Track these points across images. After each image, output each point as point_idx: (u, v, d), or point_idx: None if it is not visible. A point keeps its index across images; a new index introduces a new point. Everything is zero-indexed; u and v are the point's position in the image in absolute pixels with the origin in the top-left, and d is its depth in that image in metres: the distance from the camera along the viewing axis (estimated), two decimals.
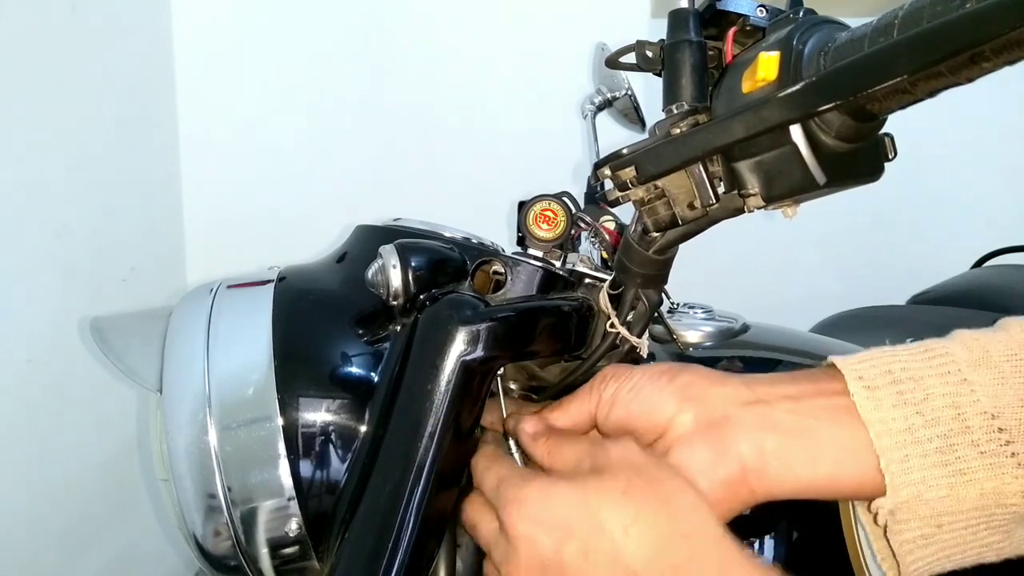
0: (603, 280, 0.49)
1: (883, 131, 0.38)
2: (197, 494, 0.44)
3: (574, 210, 0.51)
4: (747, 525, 0.54)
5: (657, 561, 0.36)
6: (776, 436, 0.40)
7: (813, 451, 0.40)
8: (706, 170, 0.40)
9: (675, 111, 0.40)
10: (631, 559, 0.36)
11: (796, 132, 0.36)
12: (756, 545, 0.55)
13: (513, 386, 0.52)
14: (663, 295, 0.49)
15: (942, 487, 0.38)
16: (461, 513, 0.45)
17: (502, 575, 0.40)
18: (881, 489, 0.38)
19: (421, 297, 0.45)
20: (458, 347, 0.43)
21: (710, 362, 0.68)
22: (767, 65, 0.36)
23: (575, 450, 0.42)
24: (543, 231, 0.49)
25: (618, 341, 0.48)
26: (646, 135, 0.42)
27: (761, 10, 0.40)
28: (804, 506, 0.49)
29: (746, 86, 0.37)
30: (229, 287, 0.50)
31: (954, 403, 0.38)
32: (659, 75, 0.42)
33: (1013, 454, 0.37)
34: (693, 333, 0.70)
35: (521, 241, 0.51)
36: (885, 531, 0.40)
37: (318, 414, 0.45)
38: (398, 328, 0.47)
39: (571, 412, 0.46)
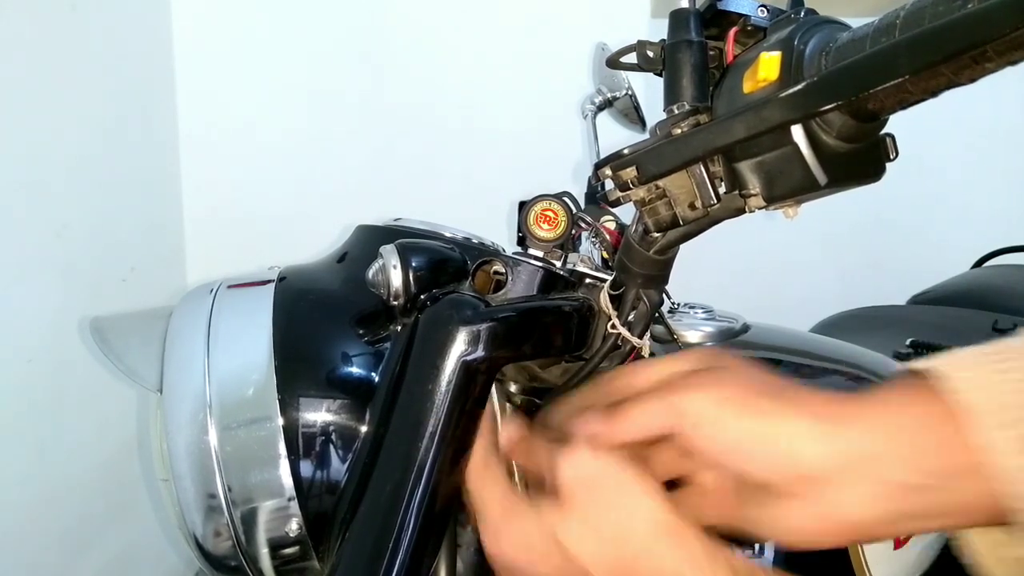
0: (604, 280, 0.49)
1: (884, 131, 0.38)
2: (197, 494, 0.44)
3: (575, 210, 0.51)
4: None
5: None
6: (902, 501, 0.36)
7: (940, 506, 0.36)
8: (707, 170, 0.40)
9: (676, 111, 0.40)
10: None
11: (797, 132, 0.36)
12: (757, 546, 0.55)
13: (513, 387, 0.52)
14: (664, 295, 0.49)
15: None
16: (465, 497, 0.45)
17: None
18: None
19: (422, 297, 0.45)
20: (459, 347, 0.43)
21: None
22: (768, 65, 0.36)
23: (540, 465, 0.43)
24: (544, 231, 0.49)
25: (619, 342, 0.48)
26: (647, 135, 0.42)
27: (762, 10, 0.40)
28: None
29: (747, 86, 0.37)
30: (229, 287, 0.50)
31: None
32: (660, 75, 0.42)
33: None
34: (693, 333, 0.70)
35: (521, 241, 0.50)
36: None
37: (318, 414, 0.45)
38: (399, 328, 0.47)
39: (641, 425, 0.41)
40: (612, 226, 0.59)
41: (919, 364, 0.37)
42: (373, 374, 0.47)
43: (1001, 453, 0.33)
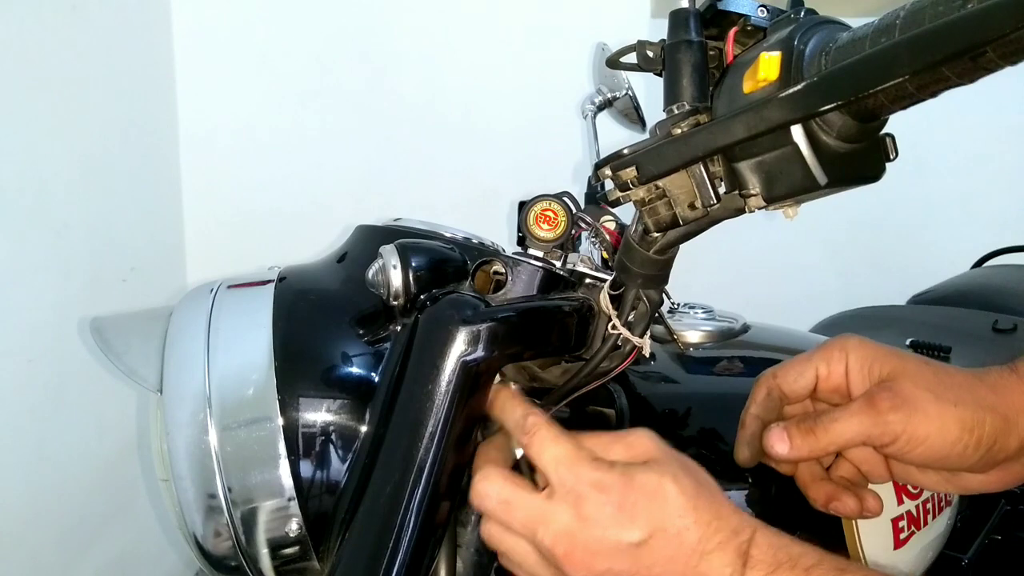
0: (604, 280, 0.49)
1: (884, 131, 0.38)
2: (197, 494, 0.44)
3: (574, 210, 0.51)
4: (737, 475, 0.54)
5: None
6: None
7: None
8: (707, 170, 0.40)
9: (676, 111, 0.40)
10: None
11: (797, 132, 0.36)
12: (746, 494, 0.55)
13: (513, 387, 0.52)
14: (664, 295, 0.49)
15: None
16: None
17: (560, 546, 0.41)
18: None
19: (422, 297, 0.45)
20: (459, 347, 0.43)
21: (710, 362, 0.68)
22: (768, 65, 0.36)
23: (599, 441, 0.44)
24: (543, 231, 0.49)
25: (619, 342, 0.48)
26: (647, 135, 0.42)
27: (762, 10, 0.40)
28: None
29: (747, 86, 0.37)
30: (229, 287, 0.50)
31: None
32: (660, 75, 0.42)
33: None
34: (693, 333, 0.70)
35: (521, 241, 0.50)
36: None
37: (318, 414, 0.45)
38: (398, 328, 0.47)
39: (846, 434, 0.46)
40: (612, 226, 0.59)
41: None
42: (373, 374, 0.46)
43: None
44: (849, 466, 0.50)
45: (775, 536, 0.40)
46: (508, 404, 0.45)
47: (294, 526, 0.44)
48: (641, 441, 0.43)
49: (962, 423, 0.44)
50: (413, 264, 0.45)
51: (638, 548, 0.40)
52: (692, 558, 0.39)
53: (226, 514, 0.44)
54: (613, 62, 0.46)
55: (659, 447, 0.43)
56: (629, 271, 0.46)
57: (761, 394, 0.50)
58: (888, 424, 0.45)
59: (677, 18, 0.41)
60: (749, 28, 0.40)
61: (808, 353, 0.50)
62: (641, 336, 0.48)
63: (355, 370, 0.47)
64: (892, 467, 0.49)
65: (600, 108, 0.81)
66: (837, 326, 1.06)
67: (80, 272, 1.14)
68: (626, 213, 0.49)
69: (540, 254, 0.49)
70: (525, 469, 0.45)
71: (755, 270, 1.60)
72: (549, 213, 0.49)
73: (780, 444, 0.46)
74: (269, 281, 0.50)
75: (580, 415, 0.58)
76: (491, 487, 0.42)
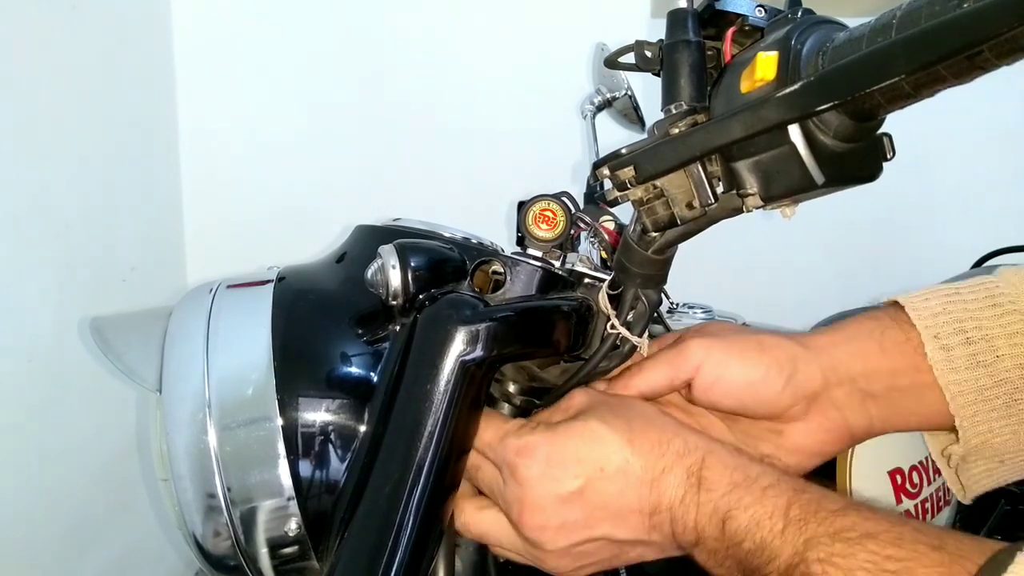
0: (602, 280, 0.49)
1: (881, 131, 0.38)
2: (197, 494, 0.44)
3: (573, 210, 0.51)
4: None
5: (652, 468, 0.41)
6: (875, 409, 0.47)
7: (904, 413, 0.47)
8: (705, 170, 0.40)
9: (674, 111, 0.40)
10: (636, 468, 0.41)
11: (794, 132, 0.36)
12: None
13: (512, 387, 0.52)
14: (663, 295, 0.49)
15: (1006, 434, 0.45)
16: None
17: (513, 514, 0.43)
18: (952, 422, 0.46)
19: (420, 297, 0.45)
20: (457, 347, 0.43)
21: None
22: (765, 65, 0.36)
23: (538, 416, 0.48)
24: (542, 231, 0.49)
25: (618, 341, 0.48)
26: (645, 135, 0.42)
27: (759, 10, 0.40)
28: None
29: (745, 86, 0.37)
30: (229, 287, 0.50)
31: (1021, 364, 0.44)
32: (658, 75, 0.42)
33: None
34: None
35: (520, 241, 0.51)
36: (956, 469, 0.49)
37: (318, 414, 0.45)
38: (397, 328, 0.47)
39: (650, 379, 0.48)
40: (611, 226, 0.59)
41: (894, 296, 0.48)
42: (372, 374, 0.47)
43: (941, 371, 0.44)
44: None
45: (730, 456, 0.41)
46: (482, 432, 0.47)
47: (293, 526, 0.44)
48: (573, 400, 0.46)
49: (760, 345, 0.46)
50: (412, 264, 0.45)
51: (580, 494, 0.41)
52: (642, 488, 0.41)
53: (225, 514, 0.44)
54: (612, 62, 0.46)
55: (589, 399, 0.46)
56: (628, 271, 0.46)
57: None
58: (688, 350, 0.47)
59: (675, 18, 0.41)
60: (747, 28, 0.40)
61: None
62: (640, 336, 0.48)
63: (354, 370, 0.47)
64: (716, 424, 0.50)
65: (599, 108, 0.81)
66: None
67: (80, 272, 1.14)
68: (625, 213, 0.49)
69: (539, 254, 0.49)
70: None
71: (754, 270, 1.60)
72: (548, 213, 0.50)
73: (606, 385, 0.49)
74: (268, 281, 0.50)
75: None
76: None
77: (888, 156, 0.38)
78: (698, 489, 0.39)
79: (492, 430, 0.45)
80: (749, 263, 1.57)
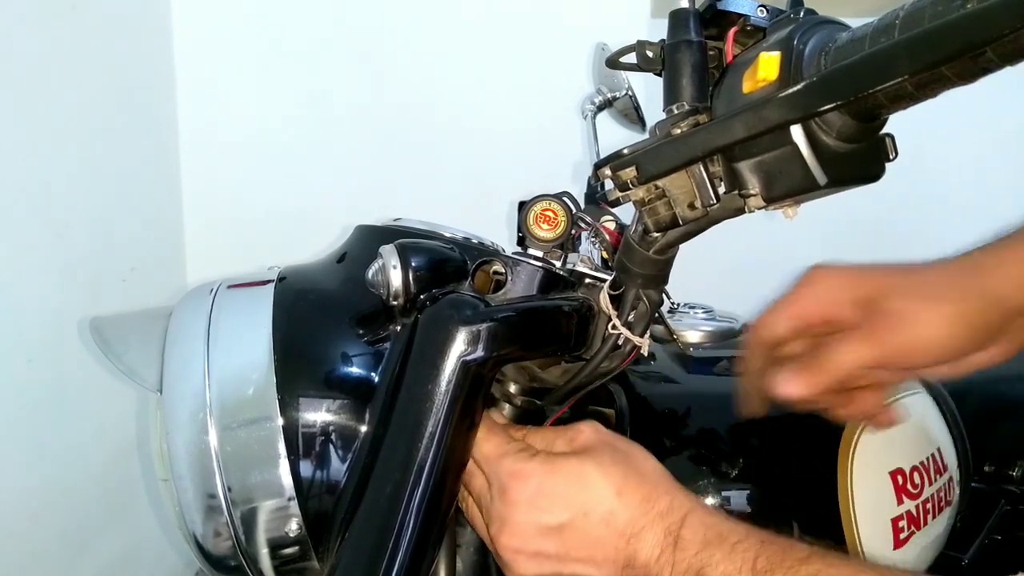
0: (604, 280, 0.49)
1: (884, 131, 0.38)
2: (197, 494, 0.44)
3: (574, 210, 0.51)
4: (737, 475, 0.55)
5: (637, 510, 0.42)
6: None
7: None
8: (707, 170, 0.40)
9: (675, 111, 0.40)
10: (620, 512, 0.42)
11: (797, 132, 0.36)
12: (747, 495, 0.55)
13: (513, 387, 0.52)
14: (664, 295, 0.49)
15: None
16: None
17: (493, 529, 0.44)
18: None
19: (421, 297, 0.45)
20: (458, 347, 0.43)
21: (710, 362, 0.68)
22: (768, 65, 0.36)
23: (544, 435, 0.48)
24: (543, 231, 0.49)
25: (619, 342, 0.48)
26: (646, 135, 0.42)
27: (762, 10, 0.40)
28: (797, 458, 0.51)
29: (747, 86, 0.37)
30: (229, 287, 0.50)
31: None
32: (659, 75, 0.42)
33: None
34: (693, 333, 0.70)
35: (521, 241, 0.50)
36: None
37: (318, 414, 0.45)
38: (398, 328, 0.47)
39: (850, 363, 0.46)
40: (612, 226, 0.59)
41: None
42: (373, 374, 0.46)
43: None
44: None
45: (708, 516, 0.42)
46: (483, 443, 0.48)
47: (294, 526, 0.44)
48: (581, 433, 0.46)
49: (951, 320, 0.45)
50: (413, 264, 0.45)
51: (561, 531, 0.42)
52: (620, 540, 0.42)
53: (226, 514, 0.44)
54: (613, 62, 0.46)
55: (598, 437, 0.46)
56: (629, 271, 0.46)
57: (751, 350, 0.51)
58: (890, 345, 0.45)
59: (677, 18, 0.41)
60: (749, 28, 0.40)
61: (782, 298, 0.51)
62: (641, 336, 0.48)
63: (355, 370, 0.47)
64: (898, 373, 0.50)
65: (600, 108, 0.81)
66: None
67: (80, 272, 1.14)
68: (626, 213, 0.49)
69: (540, 254, 0.49)
70: None
71: (755, 270, 1.60)
72: (549, 213, 0.50)
73: (789, 386, 0.47)
74: (269, 281, 0.50)
75: (580, 415, 0.58)
76: None
77: (891, 157, 0.38)
78: (674, 548, 0.41)
79: (492, 445, 0.46)
80: (751, 263, 1.57)
